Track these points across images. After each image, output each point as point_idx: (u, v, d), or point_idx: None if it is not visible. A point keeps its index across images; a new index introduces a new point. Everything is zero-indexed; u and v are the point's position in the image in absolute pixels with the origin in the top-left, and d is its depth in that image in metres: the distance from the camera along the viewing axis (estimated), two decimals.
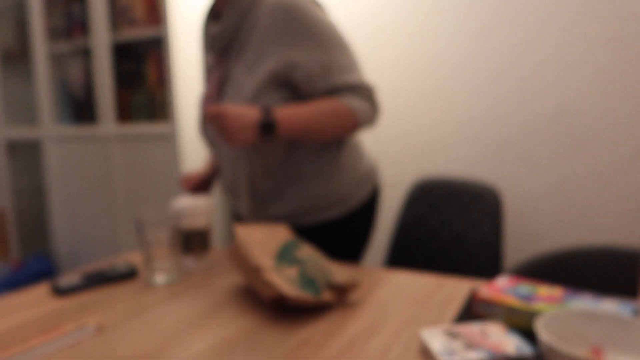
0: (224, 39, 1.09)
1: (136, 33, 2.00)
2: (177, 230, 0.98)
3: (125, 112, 2.11)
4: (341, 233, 1.17)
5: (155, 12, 1.95)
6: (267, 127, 0.96)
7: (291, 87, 1.04)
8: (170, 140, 1.91)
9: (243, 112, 0.95)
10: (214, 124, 0.95)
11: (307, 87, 1.04)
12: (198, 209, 1.05)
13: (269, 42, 1.02)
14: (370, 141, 1.91)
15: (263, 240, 0.88)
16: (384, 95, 1.87)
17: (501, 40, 1.67)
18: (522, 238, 1.70)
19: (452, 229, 1.45)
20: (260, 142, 0.99)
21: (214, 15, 1.18)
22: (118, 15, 2.05)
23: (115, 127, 2.09)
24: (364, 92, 1.06)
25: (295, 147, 1.09)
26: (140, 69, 2.08)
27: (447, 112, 1.78)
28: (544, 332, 0.59)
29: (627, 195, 1.55)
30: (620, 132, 1.54)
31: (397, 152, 1.88)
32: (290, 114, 0.99)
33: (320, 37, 1.02)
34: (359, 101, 1.05)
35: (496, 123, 1.70)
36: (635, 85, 1.51)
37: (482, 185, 1.44)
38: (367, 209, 1.19)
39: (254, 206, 1.15)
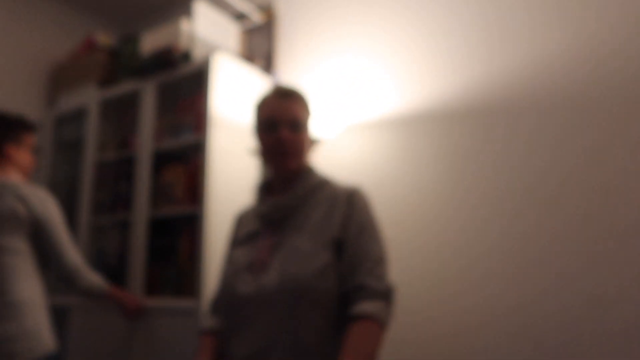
0: (288, 209, 1.22)
1: (174, 210, 2.13)
2: None
3: (154, 285, 2.15)
4: None
5: (194, 192, 2.10)
6: None
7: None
8: (194, 316, 1.90)
9: None
10: None
11: (347, 268, 1.16)
12: None
13: (335, 216, 1.19)
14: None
15: None
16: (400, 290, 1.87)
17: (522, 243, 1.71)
18: None
19: None
20: None
21: (269, 189, 1.32)
22: (160, 194, 2.21)
23: (142, 300, 2.11)
24: (388, 294, 1.14)
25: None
26: (174, 243, 2.17)
27: (466, 310, 1.75)
28: None
29: None
30: None
31: (416, 346, 1.82)
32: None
33: (376, 229, 1.22)
34: (381, 307, 1.12)
35: (526, 322, 1.66)
36: None
37: None
38: None
39: None
